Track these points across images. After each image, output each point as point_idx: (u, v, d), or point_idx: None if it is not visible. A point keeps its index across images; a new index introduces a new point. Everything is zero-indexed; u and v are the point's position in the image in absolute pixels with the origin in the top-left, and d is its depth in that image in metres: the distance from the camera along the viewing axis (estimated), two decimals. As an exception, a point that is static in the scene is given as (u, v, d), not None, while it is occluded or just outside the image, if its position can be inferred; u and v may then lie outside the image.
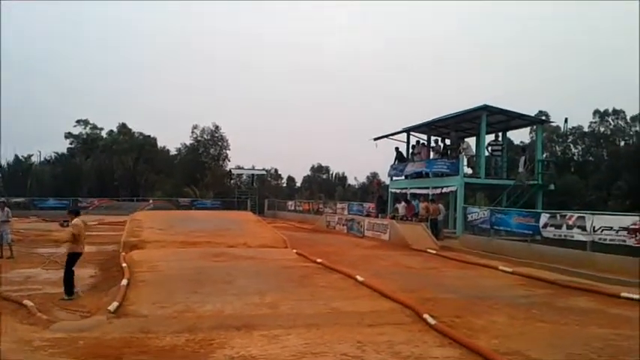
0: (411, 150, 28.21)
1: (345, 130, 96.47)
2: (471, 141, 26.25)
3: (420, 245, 18.65)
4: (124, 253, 15.11)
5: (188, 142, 58.97)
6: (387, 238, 21.20)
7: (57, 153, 59.20)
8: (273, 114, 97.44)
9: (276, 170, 68.87)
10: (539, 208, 21.07)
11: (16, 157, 54.39)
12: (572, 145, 52.78)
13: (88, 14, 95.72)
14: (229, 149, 59.31)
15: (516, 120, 25.22)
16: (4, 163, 53.51)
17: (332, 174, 71.33)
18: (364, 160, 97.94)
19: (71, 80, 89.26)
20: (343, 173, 70.37)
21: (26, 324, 7.89)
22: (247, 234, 19.29)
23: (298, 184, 70.28)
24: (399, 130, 28.59)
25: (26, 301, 9.14)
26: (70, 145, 60.15)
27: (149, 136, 60.37)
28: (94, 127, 60.58)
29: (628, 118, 50.87)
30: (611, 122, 51.64)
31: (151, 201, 45.23)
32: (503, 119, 24.68)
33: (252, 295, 9.80)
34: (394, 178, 28.87)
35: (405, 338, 7.10)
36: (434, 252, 17.65)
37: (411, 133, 28.54)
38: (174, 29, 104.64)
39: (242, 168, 56.59)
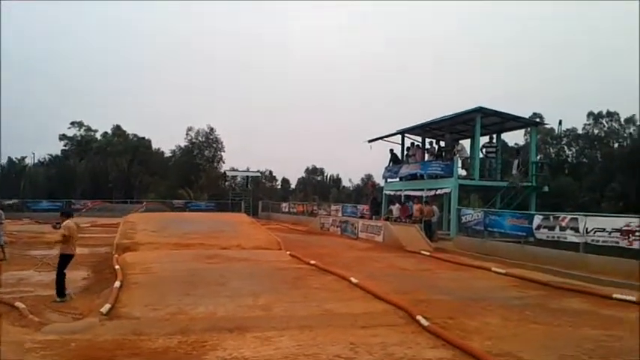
0: (405, 152, 28.21)
1: (340, 132, 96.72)
2: (466, 143, 26.38)
3: (413, 247, 18.66)
4: (116, 255, 15.04)
5: (183, 143, 58.98)
6: (381, 239, 21.20)
7: (51, 155, 59.21)
8: (268, 116, 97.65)
9: (270, 172, 68.97)
10: (533, 210, 21.15)
11: (10, 159, 54.27)
12: (566, 147, 52.94)
13: (84, 15, 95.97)
14: (224, 151, 59.47)
15: (511, 122, 25.27)
16: None
17: (326, 176, 71.46)
18: (359, 162, 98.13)
19: (66, 82, 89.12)
20: (338, 175, 70.53)
21: (18, 326, 7.84)
22: (241, 236, 19.24)
23: (293, 186, 70.31)
24: (394, 132, 28.62)
25: (18, 303, 9.09)
26: (64, 147, 60.10)
27: (144, 137, 60.40)
28: (89, 128, 60.57)
29: (622, 120, 51.11)
30: (605, 124, 51.84)
31: (144, 203, 45.11)
32: (497, 121, 24.73)
33: (246, 297, 9.78)
34: (389, 179, 28.89)
35: (398, 340, 7.10)
36: (428, 254, 17.65)
37: (406, 135, 28.56)
38: (171, 30, 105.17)
39: (236, 170, 56.64)
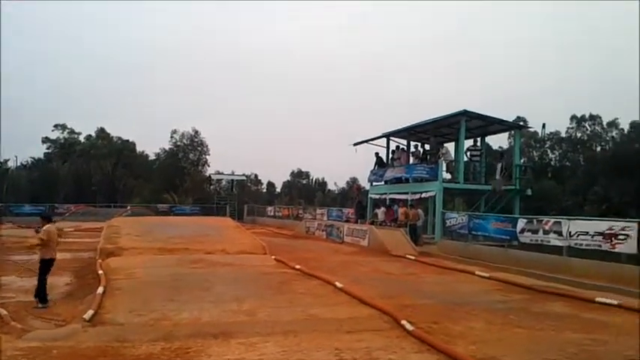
0: (390, 155, 28.29)
1: (325, 135, 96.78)
2: (450, 146, 26.42)
3: (399, 251, 18.70)
4: (100, 260, 14.93)
5: (167, 146, 58.65)
6: (366, 243, 21.22)
7: (33, 158, 58.64)
8: (253, 119, 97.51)
9: (256, 176, 68.87)
10: (517, 214, 21.29)
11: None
12: (549, 151, 53.39)
13: (67, 15, 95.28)
14: (209, 154, 59.18)
15: (495, 125, 25.39)
16: None
17: (312, 179, 71.41)
18: (344, 165, 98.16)
19: (50, 84, 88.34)
20: (323, 178, 70.50)
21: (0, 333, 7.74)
22: (226, 240, 19.18)
23: (278, 190, 70.20)
24: (379, 135, 28.68)
25: (0, 310, 8.99)
26: (47, 150, 59.55)
27: (128, 140, 59.95)
28: (72, 131, 60.04)
29: (604, 123, 51.66)
30: (588, 128, 52.37)
31: (128, 207, 44.78)
32: (481, 124, 24.85)
33: (230, 302, 9.75)
34: (374, 183, 28.91)
35: (383, 344, 7.10)
36: (413, 258, 17.71)
37: (391, 138, 28.61)
38: (158, 31, 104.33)
39: (222, 173, 56.47)
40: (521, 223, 16.38)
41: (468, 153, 24.87)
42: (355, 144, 29.69)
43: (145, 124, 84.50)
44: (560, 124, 53.43)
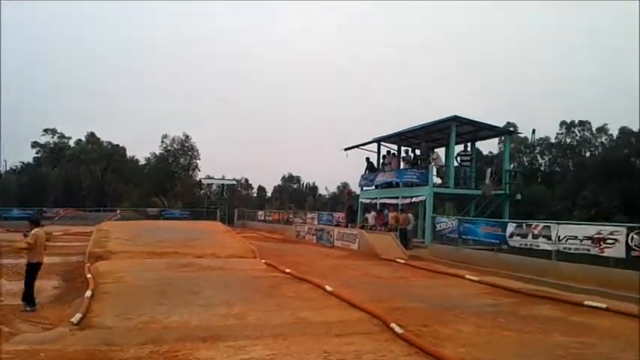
0: (381, 160, 28.32)
1: (317, 140, 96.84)
2: (441, 151, 26.53)
3: (389, 255, 18.71)
4: (88, 264, 14.84)
5: (158, 151, 58.53)
6: (356, 247, 21.23)
7: (23, 162, 58.38)
8: (244, 123, 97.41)
9: (246, 180, 68.86)
10: (506, 218, 21.34)
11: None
12: (539, 156, 53.78)
13: (57, 17, 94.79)
14: (199, 159, 59.16)
15: (485, 131, 25.52)
16: None
17: (303, 184, 71.50)
18: (335, 170, 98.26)
19: (40, 87, 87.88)
20: (314, 183, 70.66)
21: (-13, 337, 7.68)
22: (216, 244, 19.12)
23: (269, 194, 70.19)
24: (370, 140, 28.74)
25: (-13, 314, 8.93)
26: (36, 155, 59.30)
27: (118, 145, 59.81)
28: (62, 135, 59.91)
29: (594, 129, 52.08)
30: (577, 133, 52.78)
31: (118, 211, 44.59)
32: (472, 130, 24.97)
33: (219, 306, 9.71)
34: (365, 188, 28.96)
35: (373, 348, 7.10)
36: (403, 261, 17.72)
37: (382, 143, 28.69)
38: (149, 35, 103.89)
39: (212, 178, 56.39)
40: (510, 227, 16.44)
41: (459, 158, 24.96)
42: (346, 149, 29.77)
43: (135, 129, 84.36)
44: (550, 130, 53.82)
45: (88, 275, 12.74)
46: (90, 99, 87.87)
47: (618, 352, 7.22)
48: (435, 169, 23.77)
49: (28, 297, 9.98)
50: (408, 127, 26.27)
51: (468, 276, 14.09)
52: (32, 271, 10.19)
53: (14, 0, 76.38)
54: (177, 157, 58.47)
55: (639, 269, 12.21)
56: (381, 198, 26.28)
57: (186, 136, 58.17)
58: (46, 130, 59.17)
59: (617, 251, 12.73)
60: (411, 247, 20.93)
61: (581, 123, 52.24)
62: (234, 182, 60.69)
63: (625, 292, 11.16)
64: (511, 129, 38.63)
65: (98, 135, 59.19)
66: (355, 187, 36.31)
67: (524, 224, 16.12)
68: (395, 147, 28.82)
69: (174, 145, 58.26)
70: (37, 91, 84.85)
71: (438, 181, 24.36)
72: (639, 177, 41.21)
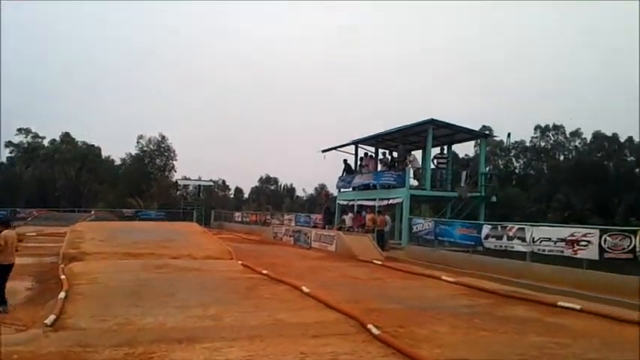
0: (359, 162, 28.41)
1: (294, 142, 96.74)
2: (418, 154, 26.66)
3: (366, 256, 18.75)
4: (62, 265, 14.61)
5: (133, 151, 58.03)
6: (333, 249, 21.23)
7: (-4, 162, 57.37)
8: (222, 125, 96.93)
9: (223, 181, 68.61)
10: (482, 220, 21.55)
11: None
12: (514, 159, 54.45)
13: (32, 15, 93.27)
14: (176, 160, 58.73)
15: (461, 134, 25.73)
16: None
17: (280, 185, 71.46)
18: (313, 171, 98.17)
19: (13, 87, 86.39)
20: (292, 185, 70.66)
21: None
22: (192, 245, 18.95)
23: (246, 196, 69.97)
24: (348, 142, 28.79)
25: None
26: (9, 154, 58.41)
27: (93, 145, 59.16)
28: (36, 135, 59.11)
29: (567, 133, 52.88)
30: (552, 137, 53.54)
31: (92, 212, 44.04)
32: (448, 133, 25.15)
33: (195, 308, 9.62)
34: (342, 189, 28.99)
35: (349, 349, 7.09)
36: (380, 263, 17.77)
37: (359, 145, 28.77)
38: (124, 34, 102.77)
39: (189, 179, 56.03)
40: (486, 229, 16.61)
41: (435, 161, 25.11)
42: (324, 150, 29.82)
43: (111, 130, 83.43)
44: (525, 134, 54.43)
45: (62, 276, 12.51)
46: (65, 99, 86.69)
47: (592, 352, 7.31)
48: (411, 172, 23.90)
49: (0, 298, 9.79)
50: (386, 130, 26.41)
51: (444, 277, 14.17)
52: (3, 272, 9.99)
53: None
54: (154, 158, 58.05)
55: (612, 271, 12.47)
56: (358, 200, 26.35)
57: (163, 137, 57.88)
58: (19, 130, 58.44)
59: (591, 253, 12.94)
60: (388, 249, 21.00)
61: (556, 127, 53.06)
62: (211, 183, 60.43)
63: (598, 294, 11.34)
64: (486, 132, 39.06)
65: (73, 135, 58.63)
66: (333, 189, 36.39)
67: (499, 226, 16.31)
68: (372, 149, 28.91)
69: (151, 146, 57.87)
70: (11, 91, 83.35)
71: (415, 183, 24.50)
72: (612, 180, 41.98)
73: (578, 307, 10.23)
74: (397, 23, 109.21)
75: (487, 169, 29.36)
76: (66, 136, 58.19)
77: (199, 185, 55.13)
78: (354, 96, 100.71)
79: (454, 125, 24.07)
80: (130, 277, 12.96)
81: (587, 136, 51.35)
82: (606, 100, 72.99)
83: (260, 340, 7.46)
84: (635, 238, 12.22)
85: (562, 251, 13.73)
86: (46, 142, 58.84)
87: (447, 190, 24.96)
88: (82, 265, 14.84)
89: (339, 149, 29.35)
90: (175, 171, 59.28)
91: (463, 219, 20.87)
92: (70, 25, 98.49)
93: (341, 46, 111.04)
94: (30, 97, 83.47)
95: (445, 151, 26.39)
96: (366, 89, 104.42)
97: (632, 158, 48.81)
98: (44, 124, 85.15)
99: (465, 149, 48.04)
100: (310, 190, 66.80)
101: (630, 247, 12.24)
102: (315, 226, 28.36)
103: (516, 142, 52.10)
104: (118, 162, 60.36)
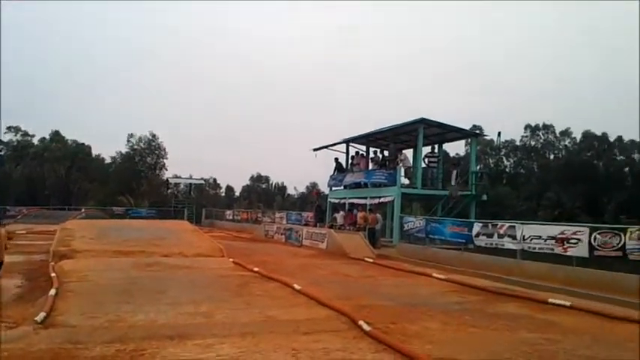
0: (350, 161, 28.45)
1: (293, 142, 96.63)
2: (409, 153, 26.75)
3: (357, 254, 18.76)
4: (53, 263, 14.50)
5: (124, 150, 57.80)
6: (324, 247, 21.25)
7: (-15, 160, 56.95)
8: (214, 123, 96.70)
9: (214, 180, 68.43)
10: (473, 218, 21.64)
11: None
12: (504, 158, 54.70)
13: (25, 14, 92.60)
14: (167, 158, 58.56)
15: (452, 133, 25.82)
16: None
17: (272, 184, 71.42)
18: (304, 170, 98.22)
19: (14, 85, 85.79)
20: (283, 183, 70.66)
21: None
22: (183, 243, 18.91)
23: (237, 194, 69.85)
24: (339, 140, 28.82)
25: (-54, 313, 8.67)
26: (-1, 152, 58.03)
27: (83, 144, 58.91)
28: (26, 133, 58.77)
29: (557, 132, 53.17)
30: (542, 136, 53.80)
31: (83, 210, 43.83)
32: (439, 132, 25.25)
33: (187, 305, 9.59)
34: (333, 188, 29.03)
35: (341, 345, 7.09)
36: (371, 260, 17.78)
37: (351, 144, 28.81)
38: (115, 31, 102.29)
39: (180, 177, 55.85)
40: (476, 227, 16.68)
41: (426, 159, 25.19)
42: (315, 149, 29.83)
43: (101, 128, 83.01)
44: (515, 133, 54.63)
45: (52, 274, 12.44)
46: (64, 99, 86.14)
47: (583, 348, 7.34)
48: (402, 170, 23.96)
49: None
50: (377, 129, 26.46)
51: (435, 274, 14.20)
52: (-8, 269, 9.95)
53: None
54: (144, 156, 57.80)
55: (602, 268, 12.57)
56: (349, 198, 26.39)
57: (153, 135, 57.65)
58: (9, 128, 58.10)
59: (581, 251, 13.03)
60: (379, 247, 21.05)
61: (545, 126, 53.33)
62: (202, 182, 60.29)
63: (588, 291, 11.41)
64: (477, 131, 39.20)
65: (63, 133, 58.31)
66: (324, 188, 36.39)
67: (489, 224, 16.38)
68: (364, 148, 28.95)
69: (141, 144, 57.60)
70: (11, 91, 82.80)
71: (406, 181, 24.57)
72: (602, 179, 42.27)
73: (568, 304, 10.28)
74: (397, 23, 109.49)
75: (478, 167, 29.44)
76: (56, 135, 57.92)
77: (190, 183, 54.97)
78: (354, 96, 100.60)
79: (445, 124, 24.16)
80: (120, 275, 12.92)
81: (577, 135, 51.77)
82: (606, 100, 73.44)
83: (252, 336, 7.44)
84: (625, 236, 12.32)
85: (552, 249, 13.82)
86: (35, 141, 58.61)
87: (437, 188, 25.03)
88: (72, 263, 14.78)
89: (331, 148, 29.39)
90: (166, 169, 59.15)
91: (454, 217, 20.94)
92: (70, 25, 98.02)
93: (341, 46, 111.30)
94: (30, 97, 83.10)
95: (436, 150, 26.47)
96: (366, 89, 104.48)
97: (621, 157, 49.23)
98: (42, 123, 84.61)
99: (455, 148, 48.33)
100: (302, 189, 66.91)
101: (620, 245, 12.33)
102: (306, 224, 28.36)
103: (507, 141, 52.43)
104: (108, 160, 60.25)
